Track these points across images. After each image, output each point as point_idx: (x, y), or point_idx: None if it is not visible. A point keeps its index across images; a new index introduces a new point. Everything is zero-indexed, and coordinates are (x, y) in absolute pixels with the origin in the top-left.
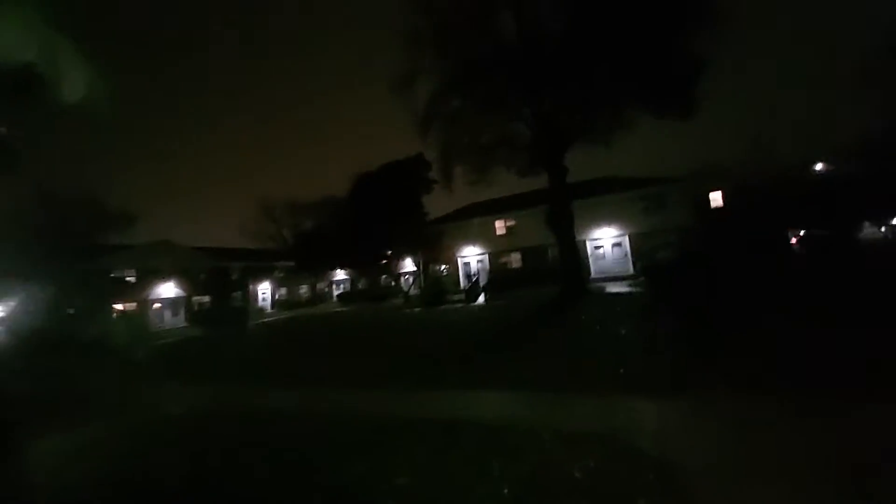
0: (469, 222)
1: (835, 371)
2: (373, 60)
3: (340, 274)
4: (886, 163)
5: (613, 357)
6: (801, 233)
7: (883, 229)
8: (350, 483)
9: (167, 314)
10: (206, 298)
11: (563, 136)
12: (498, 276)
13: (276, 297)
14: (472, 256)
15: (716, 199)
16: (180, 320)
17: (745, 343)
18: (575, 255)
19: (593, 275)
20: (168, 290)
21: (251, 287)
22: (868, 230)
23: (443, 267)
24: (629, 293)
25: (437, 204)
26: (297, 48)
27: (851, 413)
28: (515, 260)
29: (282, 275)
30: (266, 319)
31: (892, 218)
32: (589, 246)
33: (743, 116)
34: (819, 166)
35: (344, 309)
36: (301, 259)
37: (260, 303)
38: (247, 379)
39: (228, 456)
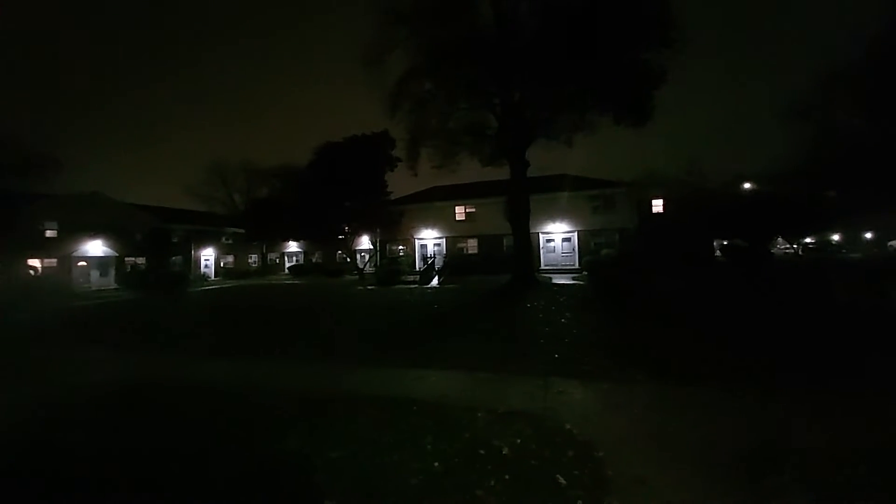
0: (430, 205)
1: (738, 366)
2: (346, 31)
3: (293, 246)
4: (801, 189)
5: (552, 342)
6: (725, 243)
7: (795, 246)
8: (281, 457)
9: (94, 274)
10: (141, 260)
11: (529, 129)
12: (453, 260)
13: (222, 264)
14: (429, 239)
15: (657, 205)
16: (109, 281)
17: (668, 337)
18: (527, 246)
19: (542, 266)
20: (96, 248)
21: (194, 252)
22: (780, 246)
23: (400, 247)
24: (572, 285)
25: (398, 183)
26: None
27: (755, 403)
28: (472, 246)
29: (229, 242)
30: (207, 287)
31: (802, 237)
32: (541, 238)
33: (688, 131)
34: (746, 185)
35: (295, 282)
36: (252, 227)
37: (202, 269)
38: (179, 348)
39: (148, 429)
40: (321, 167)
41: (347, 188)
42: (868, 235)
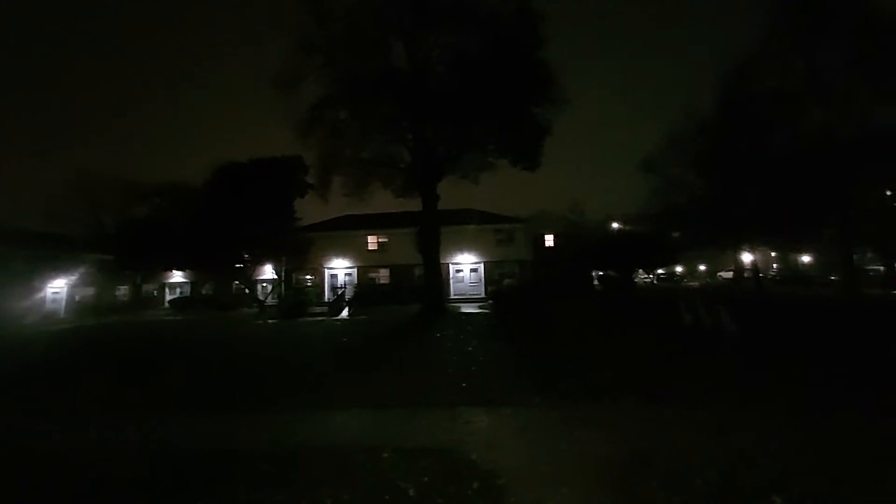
0: (341, 233)
1: (616, 382)
2: (257, 48)
3: (177, 276)
4: (655, 229)
5: (460, 371)
6: (601, 273)
7: (651, 276)
8: None
9: None
10: None
11: (439, 165)
12: (364, 290)
13: (77, 298)
14: (340, 269)
15: (549, 239)
16: None
17: (559, 359)
18: (438, 276)
19: (452, 295)
20: None
21: (38, 283)
22: (641, 276)
23: (308, 277)
24: (479, 314)
25: (309, 210)
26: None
27: (634, 415)
28: (384, 276)
29: (91, 270)
30: (56, 328)
31: (656, 268)
32: (451, 269)
33: (576, 173)
34: (614, 224)
35: (177, 318)
36: (125, 252)
37: (48, 304)
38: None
39: None
40: (221, 188)
41: (251, 213)
42: (702, 267)
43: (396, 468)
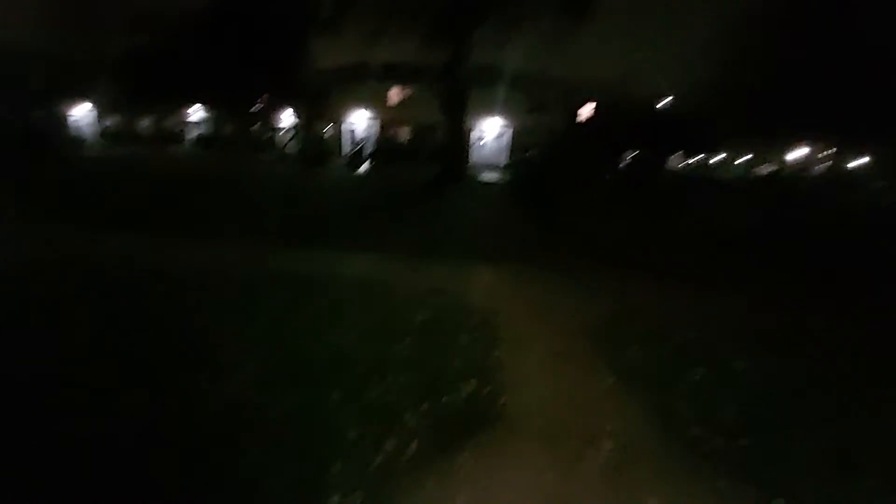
0: (363, 84)
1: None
2: None
3: (192, 115)
4: (706, 107)
5: (470, 231)
6: (638, 152)
7: (690, 161)
8: (196, 337)
9: None
10: None
11: (479, 11)
12: (385, 146)
13: (106, 126)
14: (359, 121)
15: (588, 110)
16: None
17: (572, 230)
18: (461, 139)
19: (473, 161)
20: None
21: (56, 106)
22: (680, 160)
23: (327, 127)
24: (498, 182)
25: (329, 55)
26: None
27: (622, 282)
28: (404, 133)
29: (112, 99)
30: (90, 154)
31: (700, 154)
32: (474, 133)
33: (625, 42)
34: (665, 101)
35: (205, 154)
36: (137, 82)
37: (70, 130)
38: (68, 223)
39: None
40: (226, 16)
41: (272, 45)
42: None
43: (408, 303)
